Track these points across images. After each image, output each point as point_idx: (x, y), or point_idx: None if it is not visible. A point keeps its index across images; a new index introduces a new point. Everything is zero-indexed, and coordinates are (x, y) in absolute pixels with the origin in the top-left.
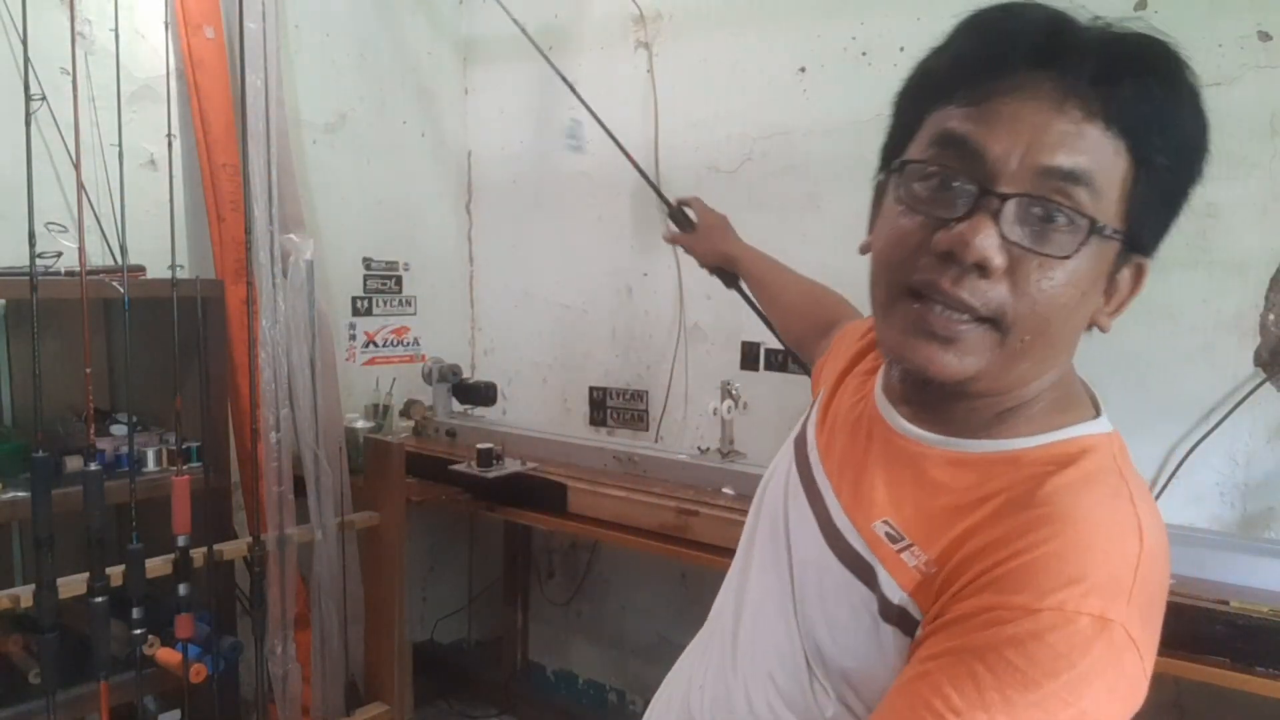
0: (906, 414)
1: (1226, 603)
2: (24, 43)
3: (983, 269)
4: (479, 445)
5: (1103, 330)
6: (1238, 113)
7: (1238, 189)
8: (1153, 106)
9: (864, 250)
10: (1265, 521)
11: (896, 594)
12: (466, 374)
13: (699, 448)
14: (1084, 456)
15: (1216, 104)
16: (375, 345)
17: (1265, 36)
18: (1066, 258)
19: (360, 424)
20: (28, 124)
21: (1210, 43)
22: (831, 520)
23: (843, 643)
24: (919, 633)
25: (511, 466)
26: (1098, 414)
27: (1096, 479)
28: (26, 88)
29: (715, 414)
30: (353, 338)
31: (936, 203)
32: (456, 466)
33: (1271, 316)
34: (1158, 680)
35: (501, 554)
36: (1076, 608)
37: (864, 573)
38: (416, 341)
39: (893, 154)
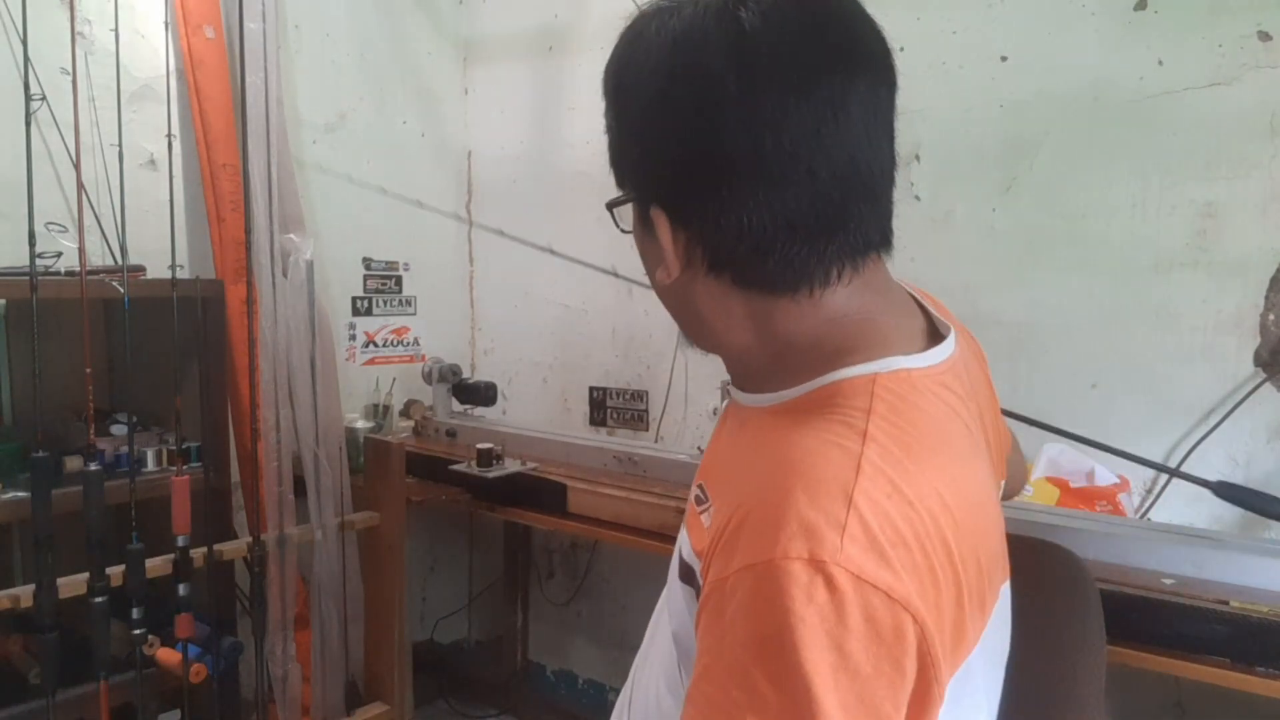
0: (740, 385)
1: (1226, 602)
2: (24, 43)
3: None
4: (479, 445)
5: (662, 280)
6: (1238, 113)
7: (1238, 189)
8: (609, 95)
9: None
10: (1265, 521)
11: (686, 550)
12: (466, 374)
13: (699, 448)
14: (831, 399)
15: (1216, 104)
16: (375, 345)
17: (1265, 36)
18: (640, 242)
19: (360, 424)
20: (28, 124)
21: (1210, 43)
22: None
23: (675, 612)
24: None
25: (511, 466)
26: (870, 358)
27: (822, 418)
28: (26, 88)
29: (715, 414)
30: (353, 338)
31: None
32: (456, 466)
33: (1271, 316)
34: (1158, 680)
35: (501, 554)
36: (784, 554)
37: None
38: (416, 341)
39: None
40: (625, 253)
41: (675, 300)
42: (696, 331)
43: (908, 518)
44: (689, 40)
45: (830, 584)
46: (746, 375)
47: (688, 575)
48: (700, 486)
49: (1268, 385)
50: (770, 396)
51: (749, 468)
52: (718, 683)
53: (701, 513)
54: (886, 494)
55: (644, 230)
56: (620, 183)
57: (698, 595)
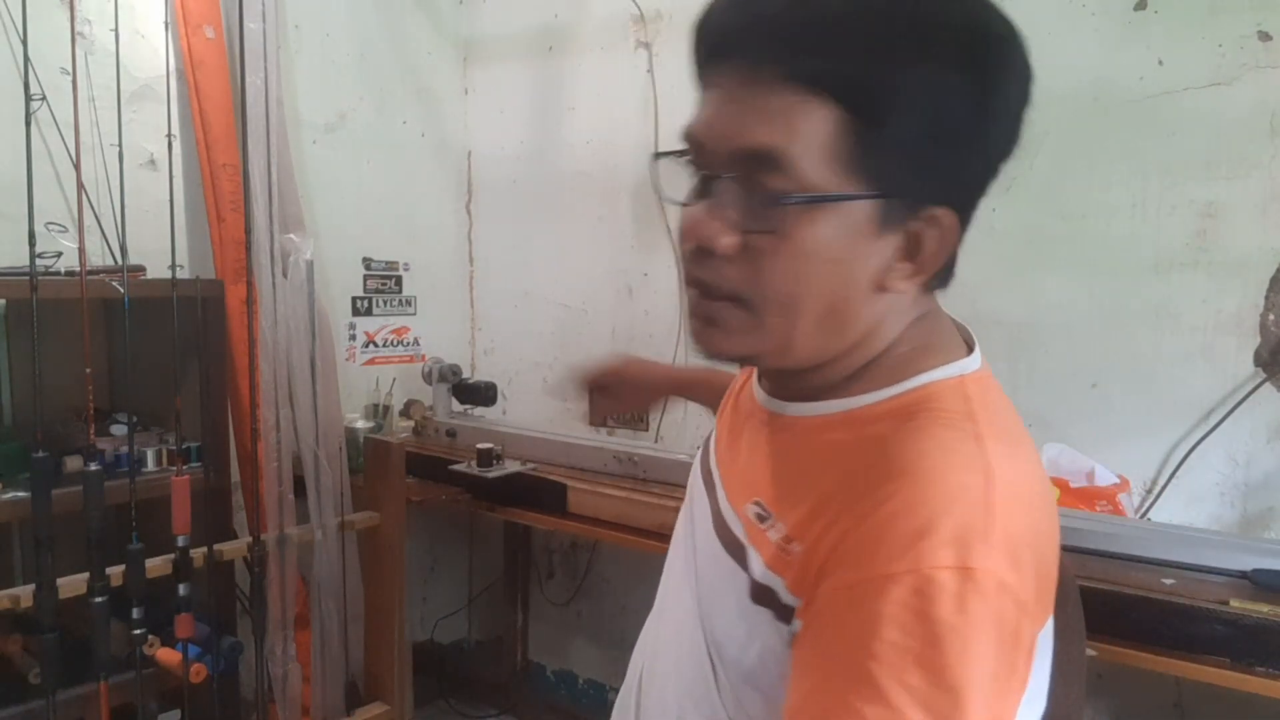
0: (768, 388)
1: (1226, 602)
2: (24, 43)
3: (710, 251)
4: (479, 445)
5: (887, 290)
6: (1238, 113)
7: (1238, 189)
8: (851, 54)
9: None
10: (1265, 521)
11: (759, 570)
12: (466, 374)
13: (699, 447)
14: (927, 403)
15: (1216, 104)
16: (375, 345)
17: (1265, 36)
18: (773, 231)
19: (360, 424)
20: (28, 124)
21: (1210, 43)
22: (719, 508)
23: (732, 634)
24: (795, 623)
25: (511, 466)
26: (948, 361)
27: (935, 424)
28: (26, 88)
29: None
30: (353, 338)
31: (689, 193)
32: (456, 466)
33: (1271, 316)
34: (1158, 680)
35: (501, 554)
36: (932, 563)
37: (739, 555)
38: (416, 341)
39: None
40: (625, 252)
41: (830, 306)
42: (815, 343)
43: (1028, 518)
44: (987, 27)
45: (980, 592)
46: (812, 384)
47: (764, 596)
48: (758, 503)
49: (1268, 385)
50: (838, 404)
51: (839, 477)
52: (839, 694)
53: (766, 529)
54: (1013, 496)
55: (850, 229)
56: (904, 172)
57: (778, 615)
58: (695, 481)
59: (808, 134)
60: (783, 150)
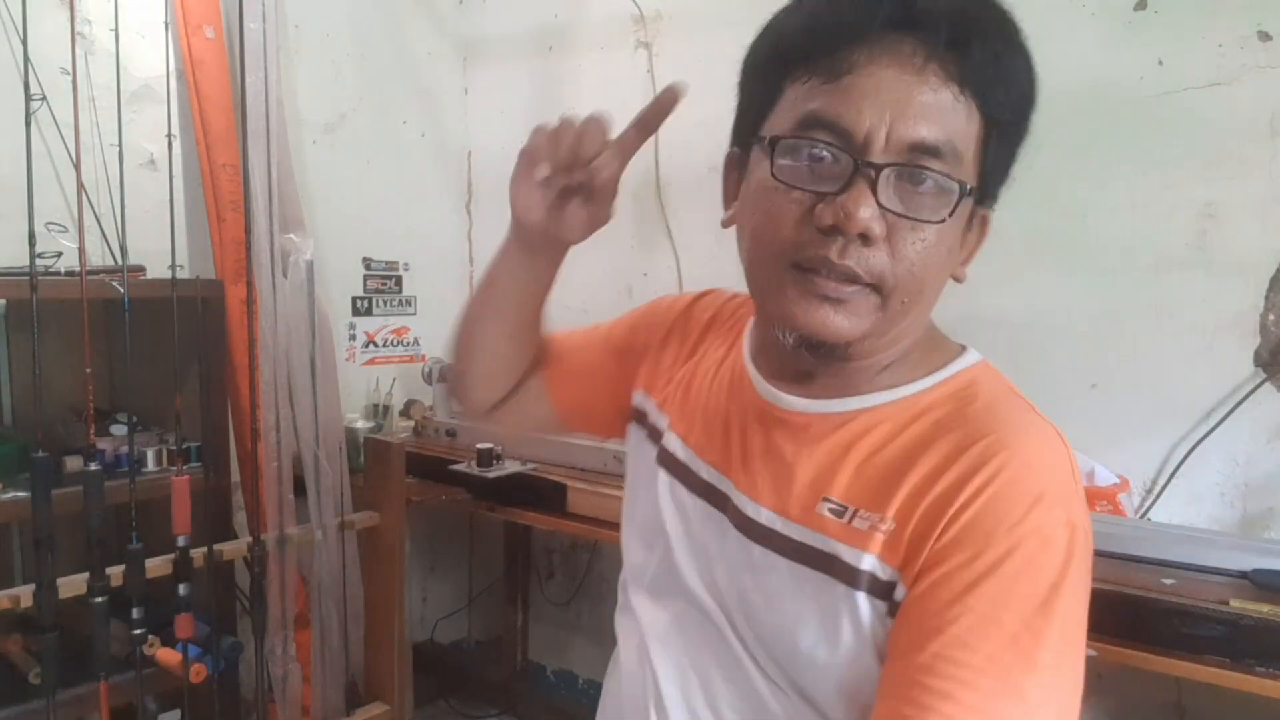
0: (797, 392)
1: (1226, 602)
2: (24, 43)
3: (865, 238)
4: (479, 445)
5: (958, 280)
6: (1238, 113)
7: (1238, 189)
8: (998, 68)
9: (727, 224)
10: (1265, 521)
11: (863, 560)
12: None
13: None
14: (976, 385)
15: (1216, 104)
16: (375, 345)
17: (1265, 36)
18: (941, 222)
19: (360, 424)
20: (28, 124)
21: (1210, 43)
22: (755, 521)
23: (814, 636)
24: (901, 591)
25: (511, 466)
26: (963, 348)
27: (1003, 400)
28: (26, 88)
29: None
30: (353, 338)
31: (813, 178)
32: (456, 466)
33: (1271, 316)
34: (1158, 680)
35: (501, 554)
36: (1052, 523)
37: (817, 559)
38: (416, 341)
39: (749, 127)
40: (625, 253)
41: (935, 294)
42: (909, 328)
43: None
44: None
45: (1086, 545)
46: (850, 373)
47: (874, 585)
48: (831, 501)
49: (1268, 385)
50: (884, 395)
51: (937, 460)
52: (996, 645)
53: (850, 521)
54: (1072, 454)
55: (960, 223)
56: (993, 182)
57: (880, 595)
58: (673, 502)
59: (967, 133)
60: (955, 145)
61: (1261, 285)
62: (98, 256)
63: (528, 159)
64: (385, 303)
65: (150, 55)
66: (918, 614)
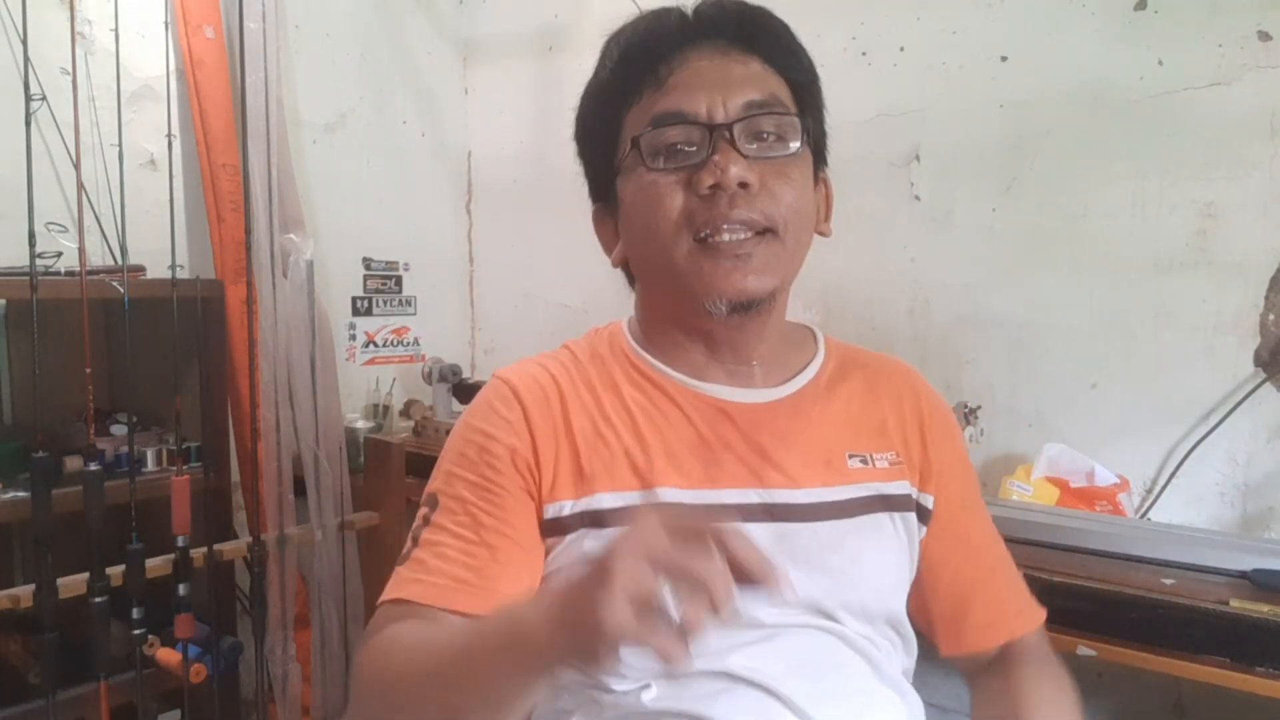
0: (742, 384)
1: (1226, 602)
2: (24, 43)
3: (745, 187)
4: None
5: (824, 235)
6: (1238, 113)
7: (1237, 189)
8: (782, 43)
9: (617, 262)
10: (1265, 521)
11: (899, 486)
12: (466, 374)
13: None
14: (839, 343)
15: (1216, 104)
16: (375, 345)
17: (1265, 36)
18: (795, 154)
19: (360, 424)
20: (28, 124)
21: (1210, 43)
22: (808, 504)
23: (895, 566)
24: (927, 499)
25: None
26: (804, 326)
27: (856, 346)
28: (26, 88)
29: None
30: (353, 338)
31: (681, 159)
32: None
33: (1271, 316)
34: (1158, 680)
35: None
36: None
37: (872, 503)
38: (416, 341)
39: (605, 174)
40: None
41: (808, 216)
42: (790, 274)
43: None
44: None
45: None
46: (770, 365)
47: (915, 504)
48: (854, 455)
49: (1268, 385)
50: (816, 365)
51: (890, 401)
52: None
53: (880, 464)
54: None
55: (808, 172)
56: (819, 141)
57: (914, 510)
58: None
59: (781, 91)
60: (778, 97)
61: (1261, 285)
62: (98, 256)
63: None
64: (385, 303)
65: (150, 55)
66: (953, 515)
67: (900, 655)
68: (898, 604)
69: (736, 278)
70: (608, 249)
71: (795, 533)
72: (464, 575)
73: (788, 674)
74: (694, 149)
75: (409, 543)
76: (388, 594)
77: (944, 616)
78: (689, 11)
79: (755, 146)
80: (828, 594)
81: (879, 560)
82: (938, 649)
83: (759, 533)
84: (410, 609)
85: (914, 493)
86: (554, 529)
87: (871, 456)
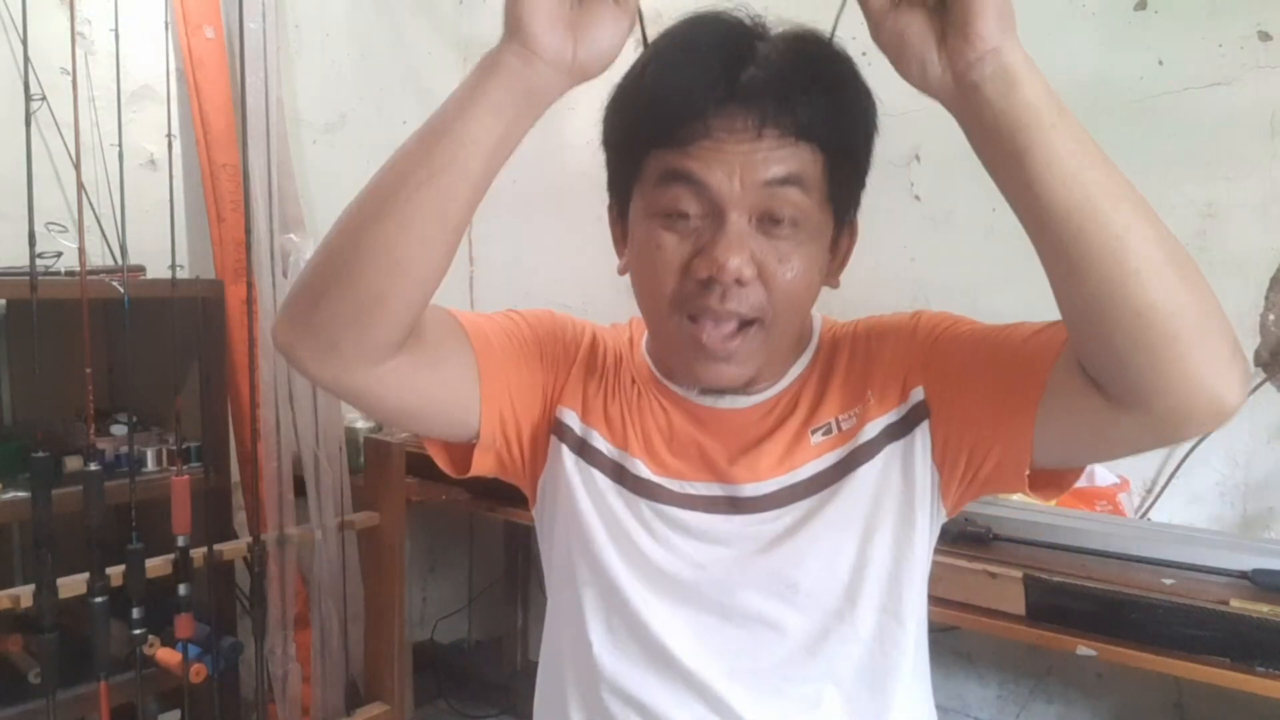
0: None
1: (1226, 602)
2: (24, 43)
3: (739, 282)
4: None
5: (833, 287)
6: (1238, 113)
7: (1238, 189)
8: (829, 112)
9: (622, 271)
10: (1265, 521)
11: (873, 430)
12: None
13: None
14: (833, 321)
15: (1216, 104)
16: None
17: (1265, 36)
18: (800, 247)
19: (360, 424)
20: (28, 124)
21: (1210, 43)
22: (769, 494)
23: (844, 549)
24: (922, 394)
25: None
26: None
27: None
28: (26, 88)
29: None
30: None
31: (684, 235)
32: None
33: (1271, 316)
34: (1158, 680)
35: (501, 554)
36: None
37: (831, 474)
38: None
39: (623, 190)
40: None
41: (806, 298)
42: (784, 345)
43: None
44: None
45: None
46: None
47: (877, 444)
48: (814, 430)
49: (1268, 385)
50: (798, 365)
51: (849, 355)
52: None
53: (841, 428)
54: None
55: (823, 241)
56: (849, 198)
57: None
58: (637, 526)
59: (812, 167)
60: (801, 177)
61: (1261, 285)
62: (98, 256)
63: None
64: None
65: (150, 55)
66: (952, 362)
67: (874, 643)
68: (864, 568)
69: (712, 370)
70: (617, 250)
71: (759, 521)
72: (491, 331)
73: (728, 674)
74: (701, 220)
75: None
76: None
77: (995, 421)
78: (723, 67)
79: (761, 238)
80: (786, 583)
81: (839, 531)
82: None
83: (722, 525)
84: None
85: (893, 416)
86: (557, 429)
87: (837, 421)
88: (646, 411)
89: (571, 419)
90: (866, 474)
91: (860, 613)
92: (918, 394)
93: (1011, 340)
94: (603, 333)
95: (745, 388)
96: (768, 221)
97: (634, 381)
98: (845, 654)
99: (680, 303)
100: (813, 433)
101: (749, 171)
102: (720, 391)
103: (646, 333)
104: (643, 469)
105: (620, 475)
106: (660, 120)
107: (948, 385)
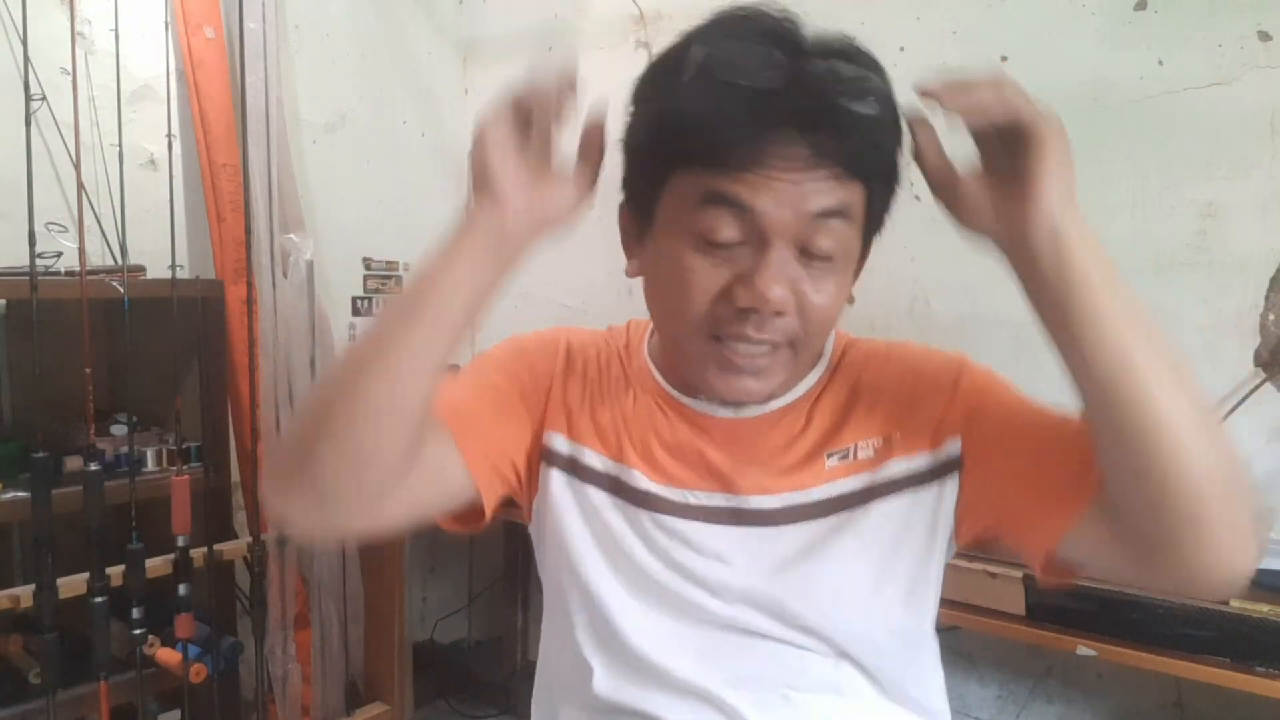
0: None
1: (1226, 603)
2: (24, 43)
3: (779, 313)
4: None
5: (850, 304)
6: (1238, 113)
7: (1238, 189)
8: (878, 144)
9: (633, 274)
10: (1265, 521)
11: (896, 468)
12: None
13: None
14: (847, 336)
15: (1216, 104)
16: None
17: (1265, 36)
18: (835, 275)
19: None
20: (28, 124)
21: (1210, 43)
22: (778, 509)
23: (889, 549)
24: (958, 447)
25: None
26: None
27: (863, 337)
28: (26, 88)
29: None
30: (353, 338)
31: (722, 257)
32: None
33: (1271, 316)
34: (1158, 680)
35: (501, 554)
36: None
37: (844, 501)
38: None
39: (641, 199)
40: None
41: (835, 318)
42: (814, 357)
43: None
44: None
45: None
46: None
47: (899, 484)
48: (830, 455)
49: (1268, 385)
50: (813, 375)
51: (874, 383)
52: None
53: (863, 448)
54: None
55: (853, 264)
56: (880, 224)
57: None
58: (644, 540)
59: (854, 197)
60: (845, 209)
61: (1261, 285)
62: (98, 256)
63: (514, 111)
64: (385, 303)
65: (150, 55)
66: (992, 430)
67: (875, 670)
68: (874, 607)
69: (736, 384)
70: (626, 251)
71: (763, 536)
72: (461, 396)
73: (731, 684)
74: (741, 246)
75: None
76: None
77: (1029, 511)
78: (772, 93)
79: (802, 268)
80: (793, 598)
81: (849, 567)
82: (1053, 561)
83: (725, 535)
84: None
85: (921, 461)
86: (546, 455)
87: (854, 448)
88: (644, 417)
89: (559, 442)
90: (886, 511)
91: (874, 636)
92: (953, 446)
93: (1064, 437)
94: (580, 338)
95: (763, 403)
96: (808, 252)
97: (629, 386)
98: (854, 671)
99: (709, 325)
100: (828, 455)
101: (799, 203)
102: (740, 405)
103: (649, 336)
104: (641, 479)
105: (618, 488)
106: (709, 141)
107: (989, 450)
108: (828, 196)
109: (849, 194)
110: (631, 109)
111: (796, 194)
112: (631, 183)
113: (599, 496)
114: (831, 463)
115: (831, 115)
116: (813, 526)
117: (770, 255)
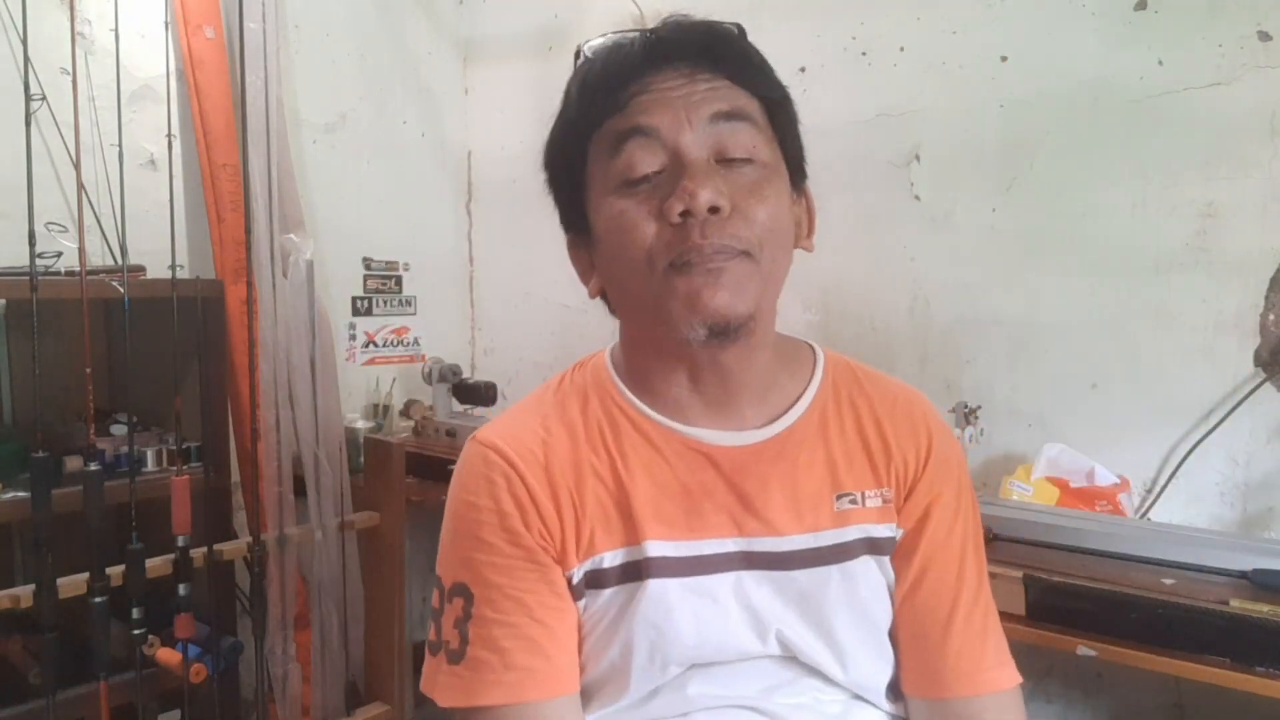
0: (722, 426)
1: (1226, 602)
2: (24, 43)
3: (715, 210)
4: None
5: (808, 250)
6: (1238, 113)
7: (1238, 189)
8: (749, 62)
9: (594, 293)
10: (1265, 521)
11: (892, 531)
12: (466, 374)
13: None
14: (838, 362)
15: (1216, 104)
16: (375, 345)
17: (1265, 36)
18: (768, 169)
19: (360, 424)
20: (28, 124)
21: (1210, 43)
22: (790, 552)
23: (883, 608)
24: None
25: None
26: (805, 343)
27: (864, 366)
28: (26, 88)
29: None
30: (353, 338)
31: (649, 184)
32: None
33: (1271, 316)
34: (1158, 680)
35: None
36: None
37: (860, 547)
38: (416, 341)
39: (575, 205)
40: None
41: (788, 253)
42: (777, 292)
43: None
44: None
45: None
46: (757, 401)
47: (885, 546)
48: (844, 496)
49: (1268, 385)
50: (805, 400)
51: (893, 434)
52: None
53: (869, 505)
54: None
55: (785, 187)
56: (796, 152)
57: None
58: (661, 592)
59: (750, 107)
60: (745, 111)
61: (1261, 285)
62: (98, 256)
63: None
64: (385, 303)
65: (150, 55)
66: (938, 563)
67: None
68: (881, 654)
69: (707, 295)
70: (584, 279)
71: (776, 580)
72: (532, 663)
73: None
74: (661, 172)
75: (451, 634)
76: (464, 700)
77: (905, 652)
78: (650, 35)
79: (725, 168)
80: (807, 642)
81: (863, 610)
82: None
83: (735, 580)
84: (494, 713)
85: (896, 533)
86: (575, 592)
87: (863, 495)
88: (638, 468)
89: (575, 572)
90: (882, 569)
91: (879, 683)
92: (895, 530)
93: (952, 639)
94: (517, 443)
95: (747, 336)
96: (726, 158)
97: (611, 440)
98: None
99: (664, 253)
100: (837, 498)
101: (694, 110)
102: (723, 330)
103: (611, 357)
104: (654, 548)
105: (635, 572)
106: (596, 98)
107: (927, 560)
108: (720, 101)
109: (741, 100)
110: (547, 148)
111: (688, 103)
112: (563, 203)
113: (611, 594)
114: (842, 505)
115: (701, 38)
116: (821, 573)
117: (689, 162)
